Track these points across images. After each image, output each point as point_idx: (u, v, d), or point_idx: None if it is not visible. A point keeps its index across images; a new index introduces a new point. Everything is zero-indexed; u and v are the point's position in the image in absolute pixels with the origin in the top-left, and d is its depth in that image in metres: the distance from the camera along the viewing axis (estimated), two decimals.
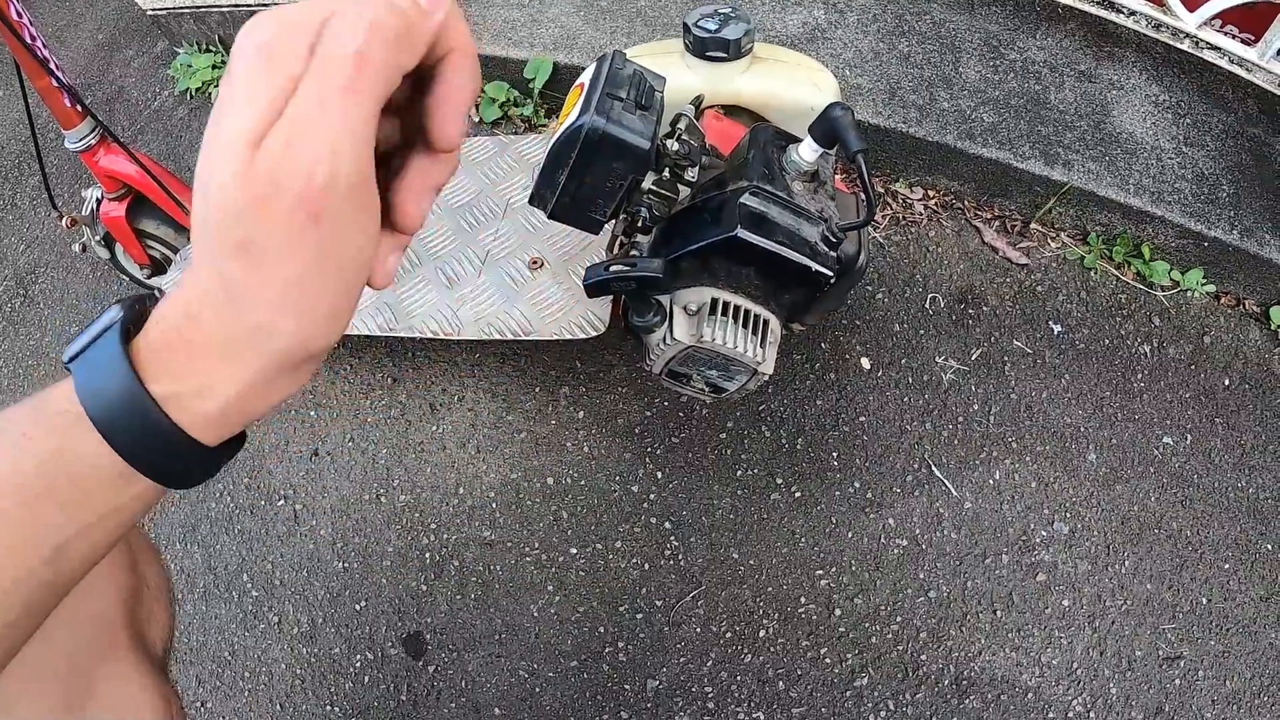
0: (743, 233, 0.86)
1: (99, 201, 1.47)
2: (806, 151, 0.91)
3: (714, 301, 0.92)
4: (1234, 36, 1.51)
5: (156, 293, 0.37)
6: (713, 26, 1.04)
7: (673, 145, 0.91)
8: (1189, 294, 1.48)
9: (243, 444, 0.39)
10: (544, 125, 1.80)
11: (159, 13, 2.06)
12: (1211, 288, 1.47)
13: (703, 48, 1.04)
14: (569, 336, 1.07)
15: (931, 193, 1.59)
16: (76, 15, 2.62)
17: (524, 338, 1.09)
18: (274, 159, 0.28)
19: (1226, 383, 1.39)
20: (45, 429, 0.33)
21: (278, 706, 1.28)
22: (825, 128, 0.87)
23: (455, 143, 0.34)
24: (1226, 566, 1.24)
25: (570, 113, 0.90)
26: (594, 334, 1.07)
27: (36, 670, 0.48)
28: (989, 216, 1.56)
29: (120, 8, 2.51)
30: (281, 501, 1.43)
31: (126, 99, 2.21)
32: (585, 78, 0.93)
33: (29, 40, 1.12)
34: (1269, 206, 1.42)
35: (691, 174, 0.94)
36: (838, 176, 1.08)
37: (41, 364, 1.78)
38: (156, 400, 0.32)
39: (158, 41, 2.31)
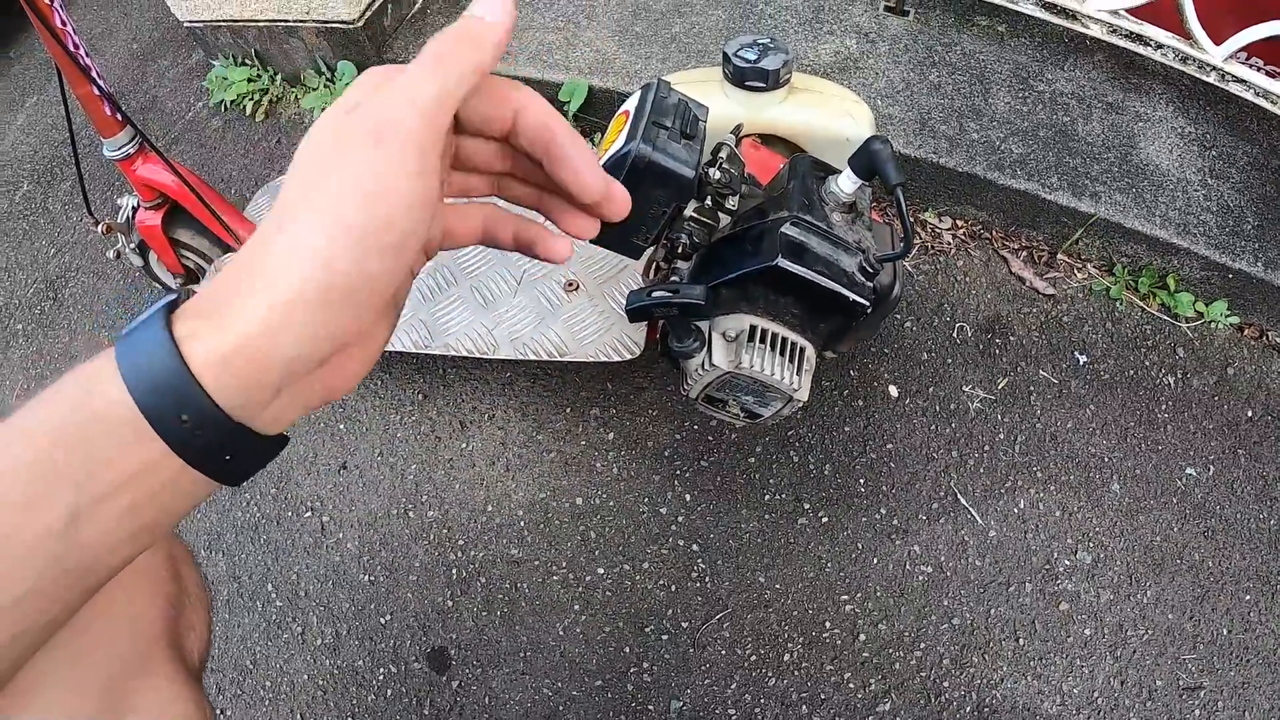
0: (783, 262, 0.87)
1: (135, 210, 1.48)
2: (846, 183, 0.92)
3: (752, 329, 0.93)
4: (1259, 69, 1.52)
5: None
6: (752, 56, 1.05)
7: (715, 174, 0.92)
8: (1213, 326, 1.48)
9: (281, 447, 0.37)
10: None
11: (196, 25, 2.09)
12: (1236, 319, 1.48)
13: (742, 77, 1.06)
14: (604, 359, 1.09)
15: (960, 222, 1.60)
16: (111, 24, 2.66)
17: (559, 359, 1.10)
18: (361, 108, 0.34)
19: (1249, 414, 1.39)
20: (74, 380, 0.33)
21: (298, 717, 1.28)
22: (865, 160, 0.88)
23: (595, 188, 0.41)
24: (1248, 598, 1.24)
25: (615, 140, 0.91)
26: (629, 357, 1.09)
27: (76, 680, 0.48)
28: (1016, 247, 1.57)
29: (156, 17, 2.55)
30: (309, 513, 1.44)
31: (160, 109, 2.24)
32: (630, 105, 0.94)
33: (72, 48, 1.12)
34: None
35: (732, 202, 0.95)
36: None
37: (69, 367, 1.79)
38: (176, 340, 0.32)
39: (193, 52, 2.34)
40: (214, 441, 0.32)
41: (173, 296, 0.34)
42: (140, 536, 0.34)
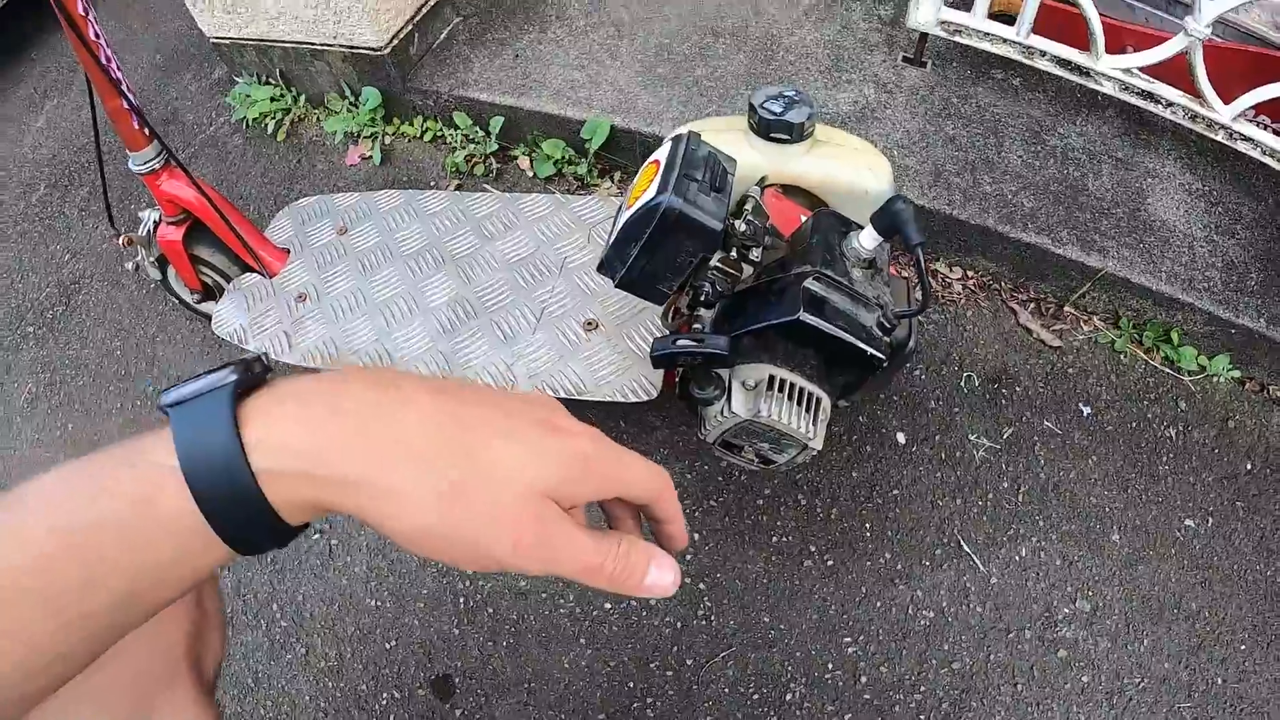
0: (805, 316, 0.89)
1: (156, 224, 1.49)
2: (867, 240, 0.95)
3: (771, 378, 0.95)
4: (1266, 127, 1.55)
5: (264, 357, 0.38)
6: (778, 109, 1.07)
7: (740, 226, 0.95)
8: (1215, 379, 1.50)
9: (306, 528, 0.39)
10: (596, 184, 1.85)
11: (222, 41, 2.11)
12: (1237, 373, 1.50)
13: (768, 129, 1.08)
14: (622, 400, 1.10)
15: (970, 273, 1.63)
16: (134, 34, 2.69)
17: (578, 398, 1.12)
18: (546, 520, 0.36)
19: (1249, 467, 1.41)
20: (134, 477, 0.33)
21: None
22: (887, 219, 0.90)
23: (680, 545, 0.45)
24: (1243, 648, 1.25)
25: (646, 188, 0.93)
26: (646, 399, 1.10)
27: (107, 694, 0.50)
28: (1025, 298, 1.60)
29: (179, 29, 2.56)
30: (317, 535, 1.45)
31: (181, 121, 2.26)
32: (661, 155, 0.97)
33: (104, 61, 1.13)
34: None
35: (756, 254, 0.98)
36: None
37: (80, 374, 1.80)
38: (254, 471, 0.33)
39: (215, 68, 2.37)
40: (264, 538, 0.35)
41: (232, 380, 0.34)
42: (178, 597, 0.36)
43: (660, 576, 0.40)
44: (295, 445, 0.33)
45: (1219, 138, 1.55)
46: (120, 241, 1.52)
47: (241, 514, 0.33)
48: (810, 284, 0.91)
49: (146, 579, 0.33)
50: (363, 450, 0.34)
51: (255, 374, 0.36)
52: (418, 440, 0.34)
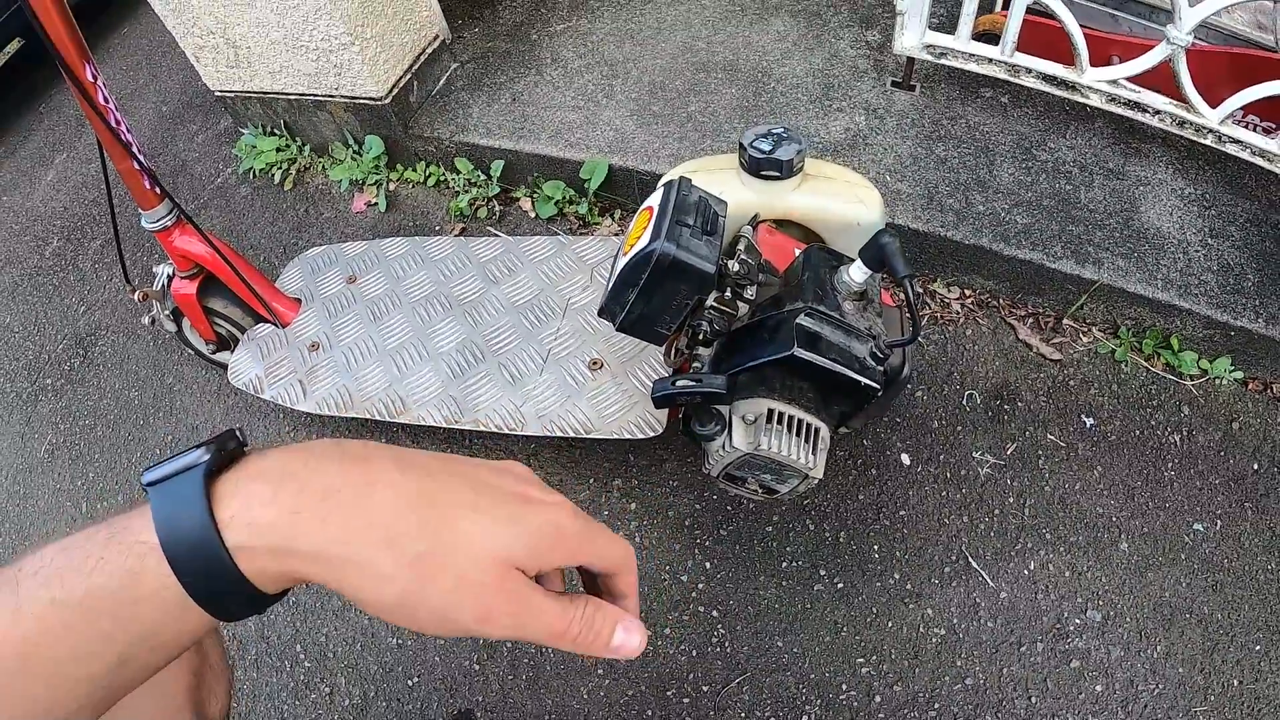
0: (799, 351, 0.92)
1: (170, 278, 1.53)
2: (857, 273, 0.97)
3: (770, 412, 0.98)
4: (1254, 127, 1.55)
5: (237, 432, 0.41)
6: (767, 147, 1.10)
7: (734, 266, 0.98)
8: (1217, 382, 1.51)
9: (282, 597, 0.41)
10: (597, 223, 1.89)
11: (226, 95, 2.17)
12: (1239, 374, 1.50)
13: (758, 167, 1.11)
14: (629, 436, 1.13)
15: (968, 292, 1.65)
16: (141, 86, 2.75)
17: (585, 436, 1.15)
18: (510, 588, 0.38)
19: (1256, 467, 1.42)
20: (121, 552, 0.36)
21: None
22: (875, 253, 0.93)
23: (634, 614, 0.46)
24: (1258, 649, 1.25)
25: (640, 236, 0.97)
26: (652, 435, 1.13)
27: None
28: (1023, 314, 1.62)
29: (184, 81, 2.62)
30: None
31: (190, 173, 2.31)
32: (654, 201, 1.00)
33: (114, 124, 1.17)
34: None
35: (750, 292, 1.01)
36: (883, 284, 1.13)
37: (99, 425, 1.84)
38: (227, 545, 0.35)
39: (221, 119, 2.42)
40: (242, 606, 0.38)
41: (205, 460, 0.37)
42: (167, 661, 0.39)
43: (627, 639, 0.43)
44: (265, 522, 0.36)
45: (1208, 142, 1.55)
46: (136, 297, 1.56)
47: (219, 585, 0.36)
48: (803, 320, 0.94)
49: (138, 645, 0.37)
50: (332, 529, 0.36)
51: (229, 451, 0.38)
52: (385, 518, 0.37)
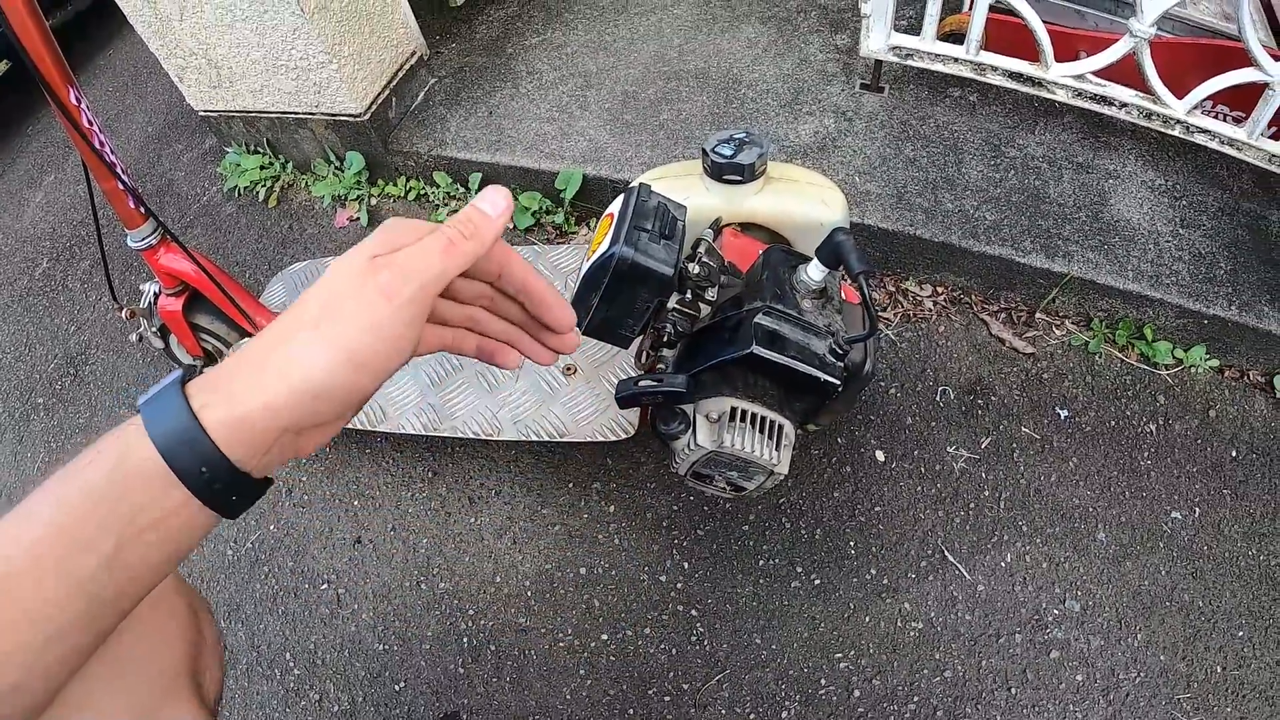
0: (758, 349, 0.93)
1: (156, 296, 1.54)
2: (814, 272, 0.99)
3: (733, 410, 1.00)
4: (1224, 116, 1.56)
5: (199, 367, 0.48)
6: (728, 152, 1.12)
7: (694, 268, 0.99)
8: (1193, 370, 1.52)
9: (269, 486, 0.46)
10: (574, 232, 1.91)
11: (210, 114, 2.19)
12: (1215, 362, 1.51)
13: (719, 171, 1.13)
14: (602, 439, 1.15)
15: (940, 289, 1.67)
16: (127, 107, 2.78)
17: (560, 439, 1.17)
18: (384, 263, 0.43)
19: (1234, 454, 1.43)
20: (111, 443, 0.41)
21: None
22: (830, 251, 0.95)
23: (567, 322, 0.54)
24: (1240, 634, 1.26)
25: (601, 242, 0.99)
26: (625, 437, 1.15)
27: (113, 703, 0.56)
28: (995, 309, 1.64)
29: (170, 101, 2.65)
30: (325, 585, 1.50)
31: (176, 192, 2.33)
32: (614, 208, 1.02)
33: (98, 146, 1.17)
34: (1266, 279, 1.47)
35: (711, 293, 1.03)
36: (847, 282, 1.15)
37: (90, 439, 1.85)
38: (194, 409, 0.40)
39: (206, 138, 2.45)
40: (224, 486, 0.42)
41: (180, 373, 0.43)
42: (162, 566, 0.43)
43: (494, 200, 0.47)
44: (215, 382, 0.42)
45: (1176, 133, 1.56)
46: (123, 315, 1.57)
47: (191, 451, 0.40)
48: (761, 319, 0.95)
49: (130, 526, 0.40)
50: (260, 354, 0.42)
51: (198, 371, 0.44)
52: (291, 327, 0.42)
